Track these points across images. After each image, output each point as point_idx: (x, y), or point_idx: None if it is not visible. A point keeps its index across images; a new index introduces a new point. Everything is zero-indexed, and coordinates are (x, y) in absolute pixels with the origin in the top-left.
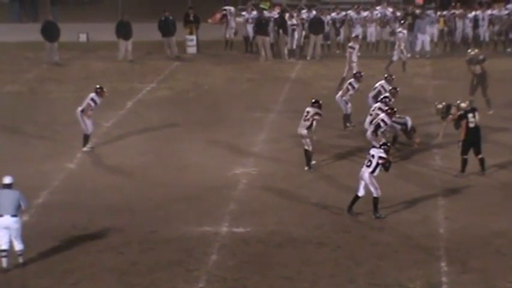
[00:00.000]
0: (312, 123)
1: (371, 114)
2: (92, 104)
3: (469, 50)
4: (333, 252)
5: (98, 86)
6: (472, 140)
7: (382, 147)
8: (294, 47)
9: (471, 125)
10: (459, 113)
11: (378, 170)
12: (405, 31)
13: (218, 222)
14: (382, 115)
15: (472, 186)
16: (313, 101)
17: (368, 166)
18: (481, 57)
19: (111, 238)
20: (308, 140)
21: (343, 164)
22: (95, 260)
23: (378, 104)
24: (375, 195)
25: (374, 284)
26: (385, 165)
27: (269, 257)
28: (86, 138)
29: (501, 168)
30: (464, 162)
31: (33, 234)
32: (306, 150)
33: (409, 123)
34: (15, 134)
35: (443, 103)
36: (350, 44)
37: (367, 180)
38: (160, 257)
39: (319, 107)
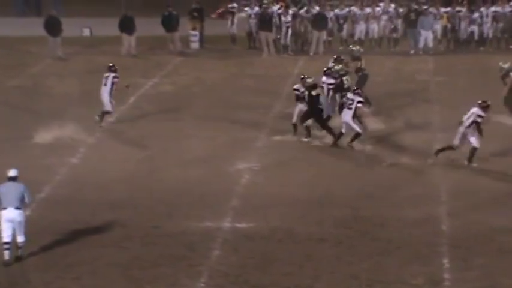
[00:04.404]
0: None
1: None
2: (116, 80)
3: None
4: (335, 248)
5: (110, 64)
6: None
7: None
8: (288, 42)
9: None
10: None
11: None
12: None
13: (221, 217)
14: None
15: (475, 182)
16: (325, 69)
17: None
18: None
19: (114, 233)
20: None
21: (345, 161)
22: (98, 254)
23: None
24: (475, 145)
25: (376, 280)
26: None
27: (271, 252)
28: (104, 114)
29: (506, 165)
30: None
31: (35, 228)
32: None
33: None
34: (18, 129)
35: (509, 63)
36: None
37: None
38: (163, 251)
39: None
